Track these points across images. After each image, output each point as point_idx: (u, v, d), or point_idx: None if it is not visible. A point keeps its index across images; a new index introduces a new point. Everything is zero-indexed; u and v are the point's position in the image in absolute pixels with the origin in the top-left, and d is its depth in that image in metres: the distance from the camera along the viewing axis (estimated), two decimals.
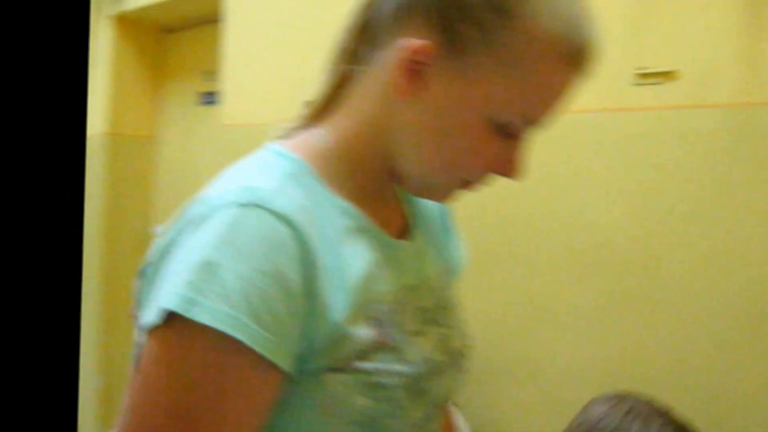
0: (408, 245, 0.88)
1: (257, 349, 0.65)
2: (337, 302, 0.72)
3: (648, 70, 1.86)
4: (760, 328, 1.66)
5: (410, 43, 0.75)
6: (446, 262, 0.99)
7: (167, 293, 0.67)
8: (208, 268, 0.66)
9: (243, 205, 0.70)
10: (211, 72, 3.34)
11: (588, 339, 1.95)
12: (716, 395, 1.73)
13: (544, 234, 2.03)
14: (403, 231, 0.90)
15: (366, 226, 0.81)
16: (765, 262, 1.65)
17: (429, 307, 0.87)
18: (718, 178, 1.74)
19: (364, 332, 0.75)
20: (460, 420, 1.97)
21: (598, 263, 1.93)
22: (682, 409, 1.26)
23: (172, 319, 0.66)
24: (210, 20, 3.27)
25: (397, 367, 0.76)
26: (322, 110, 0.86)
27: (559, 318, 1.98)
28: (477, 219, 2.14)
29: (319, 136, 0.84)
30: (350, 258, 0.76)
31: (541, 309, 2.03)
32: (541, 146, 2.05)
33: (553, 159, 2.02)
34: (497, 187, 2.16)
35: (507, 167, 0.82)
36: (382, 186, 0.87)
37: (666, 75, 1.83)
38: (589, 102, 1.96)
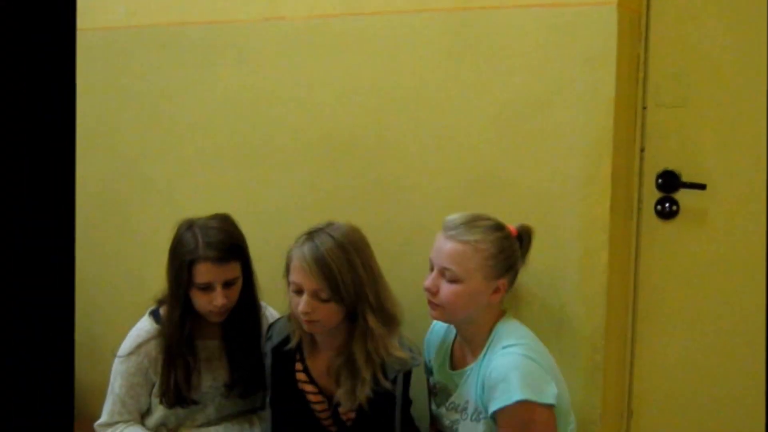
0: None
1: None
2: None
3: None
4: (483, 194, 2.06)
5: None
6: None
7: None
8: None
9: None
10: None
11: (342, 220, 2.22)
12: None
13: (301, 128, 2.24)
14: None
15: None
16: (486, 141, 2.03)
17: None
18: (445, 74, 2.06)
19: None
20: None
21: (349, 152, 2.19)
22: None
23: None
24: None
25: None
26: None
27: (320, 205, 2.22)
28: (243, 116, 2.32)
29: None
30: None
31: (300, 197, 2.26)
32: (293, 50, 2.23)
33: (296, 60, 2.22)
34: (262, 89, 2.29)
35: None
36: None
37: None
38: (328, 8, 2.15)
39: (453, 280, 1.67)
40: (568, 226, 1.93)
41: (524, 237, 1.78)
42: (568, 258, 1.94)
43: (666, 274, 2.06)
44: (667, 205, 2.03)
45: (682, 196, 2.02)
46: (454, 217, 1.73)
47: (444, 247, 1.68)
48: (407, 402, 1.90)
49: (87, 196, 2.49)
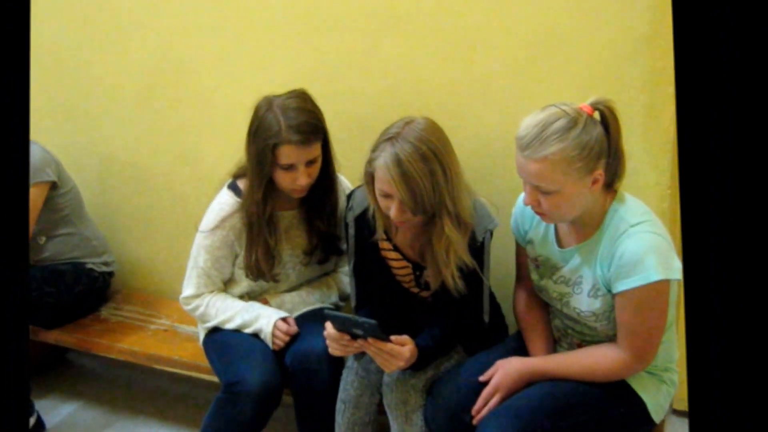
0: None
1: None
2: None
3: None
4: (550, 52, 2.09)
5: None
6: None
7: None
8: None
9: None
10: None
11: (404, 84, 2.26)
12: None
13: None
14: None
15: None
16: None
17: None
18: None
19: None
20: None
21: (410, 17, 2.20)
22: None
23: None
24: None
25: None
26: None
27: (383, 68, 2.26)
28: None
29: None
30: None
31: (363, 63, 2.28)
32: None
33: None
34: None
35: None
36: None
37: None
38: None
39: (547, 192, 1.65)
40: (635, 79, 1.98)
41: (604, 112, 1.69)
42: (634, 111, 2.00)
43: None
44: None
45: None
46: (524, 131, 1.63)
47: (525, 167, 1.64)
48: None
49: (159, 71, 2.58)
